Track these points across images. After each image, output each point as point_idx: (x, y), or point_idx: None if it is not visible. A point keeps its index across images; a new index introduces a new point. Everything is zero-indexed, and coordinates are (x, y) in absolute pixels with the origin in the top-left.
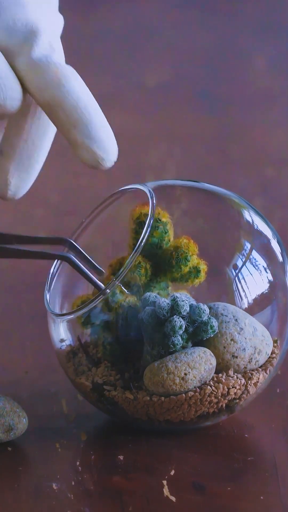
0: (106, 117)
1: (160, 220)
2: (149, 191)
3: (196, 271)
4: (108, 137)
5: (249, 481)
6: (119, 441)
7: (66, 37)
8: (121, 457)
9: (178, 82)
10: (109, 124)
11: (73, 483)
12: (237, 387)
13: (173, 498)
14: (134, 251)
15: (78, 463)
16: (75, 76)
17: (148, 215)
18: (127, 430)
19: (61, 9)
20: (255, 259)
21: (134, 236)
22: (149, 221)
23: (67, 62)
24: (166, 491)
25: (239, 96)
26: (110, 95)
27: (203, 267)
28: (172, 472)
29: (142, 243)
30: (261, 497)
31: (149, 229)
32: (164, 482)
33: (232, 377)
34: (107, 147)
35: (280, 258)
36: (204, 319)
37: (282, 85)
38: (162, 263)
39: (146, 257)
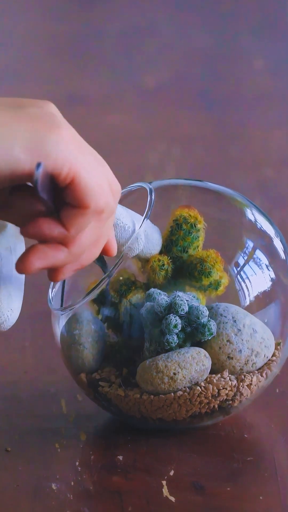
0: (105, 118)
1: (195, 226)
2: (149, 188)
3: (216, 284)
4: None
5: (248, 481)
6: (119, 441)
7: (66, 37)
8: (120, 457)
9: (177, 83)
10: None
11: (72, 483)
12: (228, 388)
13: (172, 498)
14: (131, 240)
15: (77, 463)
16: None
17: (186, 218)
18: (127, 430)
19: (62, 9)
20: (258, 257)
21: (169, 235)
22: (146, 213)
23: (67, 62)
24: (165, 491)
25: (239, 96)
26: (109, 96)
27: (224, 281)
28: (172, 472)
29: (142, 235)
30: (261, 497)
31: (145, 223)
32: (164, 482)
33: (224, 378)
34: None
35: (283, 256)
36: (202, 321)
37: (282, 85)
38: (184, 269)
39: (170, 259)
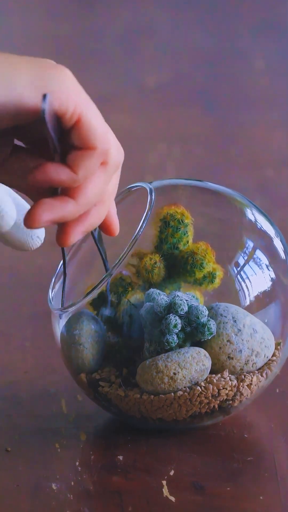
0: (106, 118)
1: (182, 221)
2: (149, 188)
3: (211, 277)
4: None
5: (248, 481)
6: (119, 441)
7: (66, 37)
8: (120, 457)
9: (177, 83)
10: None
11: (72, 483)
12: (228, 388)
13: (172, 498)
14: (132, 240)
15: (77, 463)
16: None
17: (172, 215)
18: (127, 430)
19: (62, 9)
20: (258, 257)
21: (158, 234)
22: (146, 213)
23: (67, 62)
24: (165, 491)
25: (239, 96)
26: (109, 96)
27: (219, 273)
28: (172, 472)
29: (139, 234)
30: (261, 497)
31: (145, 222)
32: (164, 482)
33: (224, 378)
34: None
35: (283, 256)
36: (202, 320)
37: (282, 85)
38: (177, 265)
39: (162, 256)
